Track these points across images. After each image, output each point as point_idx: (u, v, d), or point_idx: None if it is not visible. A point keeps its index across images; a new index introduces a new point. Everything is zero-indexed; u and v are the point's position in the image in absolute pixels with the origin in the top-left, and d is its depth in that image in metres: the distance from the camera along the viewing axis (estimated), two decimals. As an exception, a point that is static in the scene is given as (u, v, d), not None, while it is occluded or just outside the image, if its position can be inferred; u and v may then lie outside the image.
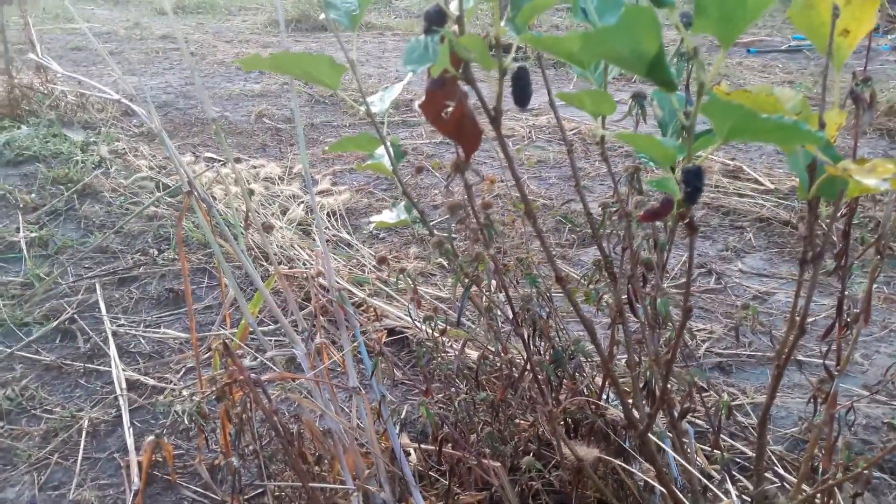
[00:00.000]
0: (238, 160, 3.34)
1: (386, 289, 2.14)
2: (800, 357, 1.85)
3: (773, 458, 1.48)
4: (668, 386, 0.82)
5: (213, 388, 1.17)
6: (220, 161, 3.37)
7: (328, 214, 2.74)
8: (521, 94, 0.64)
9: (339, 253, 2.44)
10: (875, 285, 2.18)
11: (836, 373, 1.00)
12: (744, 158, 3.30)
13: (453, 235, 1.01)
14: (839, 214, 0.97)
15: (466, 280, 0.93)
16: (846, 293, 1.03)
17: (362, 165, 1.19)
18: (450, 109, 0.69)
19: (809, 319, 2.02)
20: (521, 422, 1.34)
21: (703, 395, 1.74)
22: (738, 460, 1.45)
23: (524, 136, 3.77)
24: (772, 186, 2.93)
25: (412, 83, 4.27)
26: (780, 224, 2.62)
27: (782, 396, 1.71)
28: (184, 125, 4.01)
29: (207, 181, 2.89)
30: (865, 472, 0.92)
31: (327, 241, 2.55)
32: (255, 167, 3.19)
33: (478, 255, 0.92)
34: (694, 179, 0.56)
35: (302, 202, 2.83)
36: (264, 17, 8.09)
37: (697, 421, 1.54)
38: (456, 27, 0.66)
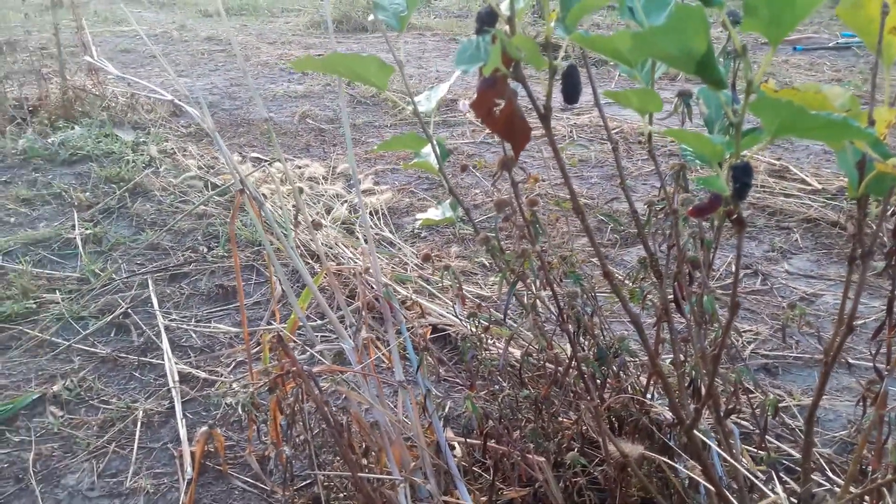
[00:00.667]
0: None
1: (428, 287, 2.16)
2: (849, 360, 1.82)
3: (820, 460, 1.46)
4: (714, 383, 0.82)
5: (266, 380, 1.21)
6: (266, 161, 3.43)
7: (371, 213, 2.78)
8: (572, 92, 0.66)
9: (382, 251, 2.48)
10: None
11: (885, 373, 0.99)
12: (790, 158, 3.25)
13: (498, 233, 1.03)
14: (889, 213, 0.96)
15: (512, 277, 0.95)
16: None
17: (409, 164, 1.22)
18: (499, 107, 0.71)
19: (859, 322, 1.99)
20: (565, 420, 1.35)
21: (749, 396, 1.73)
22: (785, 462, 1.44)
23: (565, 135, 3.76)
24: (819, 187, 2.88)
25: (454, 84, 4.30)
26: (828, 225, 2.57)
27: (830, 399, 1.69)
28: (230, 125, 4.09)
29: (255, 181, 2.96)
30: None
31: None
32: (299, 167, 3.25)
33: (524, 252, 0.93)
34: (742, 175, 0.57)
35: (345, 201, 2.87)
36: (306, 18, 8.20)
37: (743, 422, 1.53)
38: (507, 27, 0.68)
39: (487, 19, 0.66)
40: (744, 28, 0.57)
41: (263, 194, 2.72)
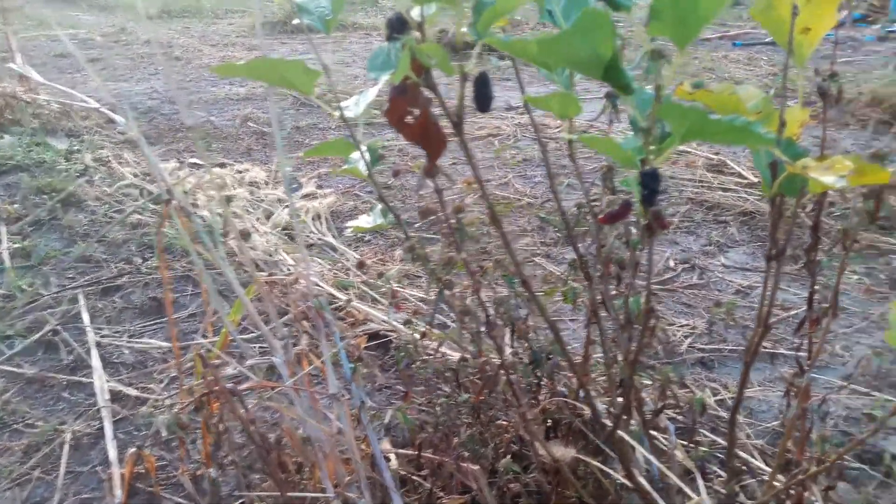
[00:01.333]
0: (222, 165, 3.33)
1: (371, 292, 2.13)
2: (782, 350, 1.85)
3: (753, 452, 1.48)
4: (635, 384, 0.82)
5: (191, 400, 1.16)
6: (204, 166, 3.35)
7: (313, 218, 2.74)
8: (483, 99, 0.64)
9: (325, 256, 2.44)
10: (856, 277, 2.19)
11: (806, 367, 1.00)
12: (727, 153, 3.31)
13: (431, 238, 1.01)
14: (808, 210, 0.97)
15: (440, 284, 0.93)
16: (817, 287, 1.04)
17: (337, 171, 1.19)
18: (413, 115, 0.69)
19: (791, 312, 2.03)
20: (504, 423, 1.34)
21: (686, 391, 1.75)
22: (720, 455, 1.46)
23: (510, 134, 3.77)
24: (755, 180, 2.94)
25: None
26: (763, 217, 2.63)
27: (763, 390, 1.72)
28: (169, 131, 3.99)
29: (191, 187, 2.88)
30: (837, 463, 0.93)
31: (312, 245, 2.54)
32: (240, 171, 3.18)
33: (450, 259, 0.92)
34: (650, 182, 0.56)
35: (287, 206, 2.82)
36: (250, 19, 8.06)
37: (679, 418, 1.55)
38: (418, 33, 0.66)
39: (397, 26, 0.64)
40: (651, 32, 0.56)
41: (197, 202, 2.65)
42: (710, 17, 0.55)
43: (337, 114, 1.08)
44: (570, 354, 0.83)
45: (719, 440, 1.50)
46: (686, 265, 2.32)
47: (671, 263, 2.34)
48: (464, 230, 0.89)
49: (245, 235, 2.05)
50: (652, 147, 0.58)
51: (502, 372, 0.98)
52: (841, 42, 5.96)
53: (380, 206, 1.18)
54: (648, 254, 0.67)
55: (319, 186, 3.11)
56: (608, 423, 0.85)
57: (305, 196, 2.95)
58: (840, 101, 0.94)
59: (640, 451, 1.02)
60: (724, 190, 2.89)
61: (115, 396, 1.75)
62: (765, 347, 1.89)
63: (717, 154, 3.26)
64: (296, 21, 0.95)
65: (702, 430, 1.54)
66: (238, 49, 6.49)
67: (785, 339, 1.90)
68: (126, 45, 6.78)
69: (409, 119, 0.71)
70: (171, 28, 7.87)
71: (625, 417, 1.04)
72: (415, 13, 0.72)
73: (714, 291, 2.15)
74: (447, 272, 0.93)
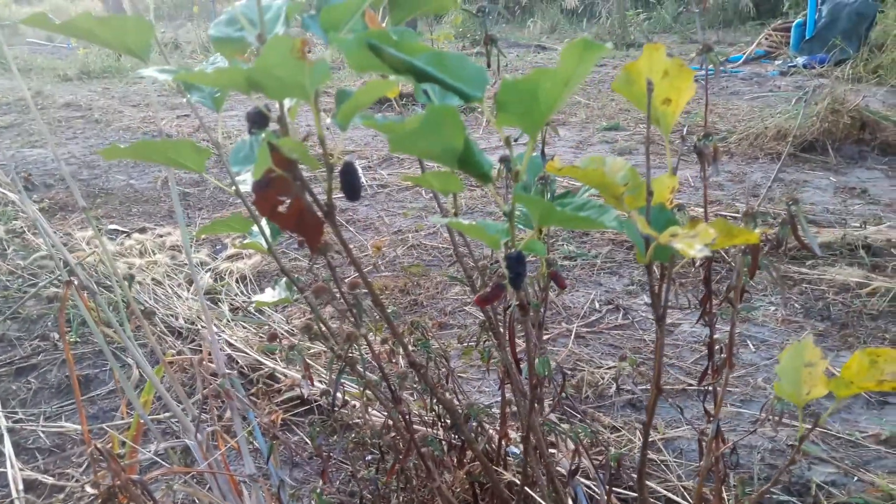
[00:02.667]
0: (143, 230, 3.26)
1: (300, 355, 2.10)
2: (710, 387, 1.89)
3: (684, 493, 1.50)
4: (547, 442, 0.82)
5: (99, 494, 1.11)
6: (124, 232, 3.27)
7: (237, 280, 2.69)
8: (350, 189, 0.65)
9: (251, 321, 2.39)
10: (773, 308, 2.26)
11: (712, 417, 1.02)
12: (647, 190, 3.41)
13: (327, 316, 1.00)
14: (700, 264, 1.00)
15: (340, 364, 0.92)
16: (716, 336, 1.07)
17: (241, 245, 1.17)
18: (285, 204, 0.68)
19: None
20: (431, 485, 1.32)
21: (616, 434, 1.76)
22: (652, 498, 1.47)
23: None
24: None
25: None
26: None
27: (692, 430, 1.74)
28: (87, 196, 3.89)
29: (110, 255, 2.80)
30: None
31: (237, 308, 2.50)
32: (161, 235, 3.11)
33: (349, 336, 0.91)
34: (515, 265, 0.57)
35: (210, 269, 2.77)
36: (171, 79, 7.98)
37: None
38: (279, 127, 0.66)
39: (256, 120, 0.64)
40: (499, 123, 0.57)
41: (115, 272, 2.57)
42: (552, 108, 0.57)
43: (232, 189, 1.07)
44: (465, 428, 0.83)
45: (651, 484, 1.52)
46: (610, 306, 2.36)
47: (596, 304, 2.38)
48: (360, 306, 0.88)
49: (148, 316, 2.00)
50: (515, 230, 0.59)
51: (412, 448, 0.97)
52: (747, 78, 6.26)
53: (283, 279, 1.17)
54: (526, 335, 0.67)
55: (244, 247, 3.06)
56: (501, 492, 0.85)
57: (230, 258, 2.90)
58: (717, 158, 0.98)
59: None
60: (645, 227, 2.96)
61: (30, 485, 1.66)
62: (690, 385, 1.93)
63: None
64: (184, 100, 0.94)
65: (628, 474, 1.55)
66: (160, 108, 6.41)
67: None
68: (42, 108, 6.62)
69: (281, 209, 0.70)
70: (90, 89, 7.74)
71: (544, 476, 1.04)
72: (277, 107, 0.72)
73: (639, 331, 2.19)
74: (347, 348, 0.92)
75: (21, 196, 1.19)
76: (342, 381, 1.66)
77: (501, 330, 1.09)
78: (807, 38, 6.56)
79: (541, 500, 0.93)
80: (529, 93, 0.54)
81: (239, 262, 2.81)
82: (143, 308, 2.14)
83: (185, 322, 2.33)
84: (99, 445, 1.03)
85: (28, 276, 2.84)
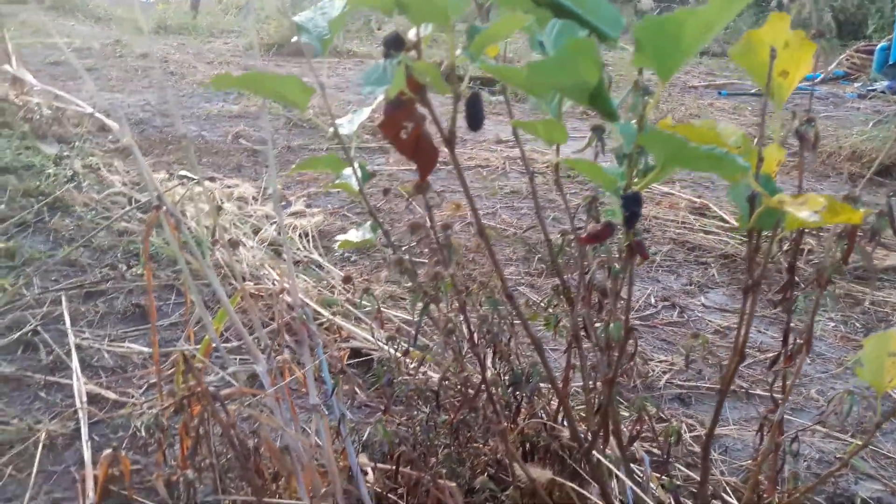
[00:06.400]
0: (212, 179, 3.35)
1: (355, 311, 2.15)
2: (758, 391, 1.88)
3: (726, 488, 1.50)
4: (612, 407, 0.84)
5: (172, 402, 1.17)
6: (194, 179, 3.37)
7: (300, 236, 2.75)
8: (474, 118, 0.67)
9: (311, 274, 2.45)
10: (832, 324, 2.23)
11: (780, 402, 1.03)
12: (710, 197, 3.38)
13: (417, 262, 1.03)
14: (785, 249, 1.01)
15: (425, 299, 0.95)
16: (792, 325, 1.07)
17: (329, 185, 1.22)
18: (408, 130, 0.72)
19: (767, 354, 2.07)
20: (481, 445, 1.35)
21: (663, 424, 1.77)
22: (694, 489, 1.48)
23: (498, 166, 3.82)
24: (737, 224, 3.00)
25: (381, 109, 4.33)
26: (743, 261, 2.67)
27: (739, 428, 1.74)
28: (159, 143, 4.01)
29: (179, 198, 2.89)
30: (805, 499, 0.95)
31: (298, 262, 2.56)
32: (229, 187, 3.20)
33: (437, 274, 0.94)
34: (631, 204, 0.59)
35: (274, 222, 2.84)
36: (245, 40, 8.14)
37: (655, 450, 1.56)
38: (414, 52, 0.69)
39: (394, 44, 0.67)
40: (634, 63, 0.59)
41: (185, 213, 2.66)
42: (692, 50, 0.58)
43: (332, 130, 1.11)
44: (552, 373, 0.85)
45: (693, 475, 1.52)
46: (666, 303, 2.35)
47: (652, 300, 2.38)
48: (451, 246, 0.92)
49: (234, 244, 2.06)
50: (634, 172, 0.61)
51: (484, 387, 1.00)
52: (823, 98, 6.12)
53: (369, 222, 1.21)
54: (629, 277, 0.69)
55: (308, 205, 3.13)
56: (582, 442, 0.87)
57: (294, 214, 2.97)
58: (816, 144, 0.98)
59: (615, 479, 1.04)
60: (706, 232, 2.94)
61: (93, 398, 1.74)
62: (741, 387, 1.92)
63: (699, 197, 3.33)
64: (294, 39, 0.97)
65: (677, 465, 1.56)
66: (232, 68, 6.55)
67: (761, 380, 1.93)
68: (120, 57, 6.82)
69: (402, 133, 0.73)
70: (166, 43, 7.93)
71: (602, 442, 1.06)
72: (411, 34, 0.75)
73: (693, 329, 2.19)
74: (433, 287, 0.95)
75: (122, 127, 1.25)
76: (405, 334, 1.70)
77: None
78: (890, 62, 6.38)
79: (601, 458, 0.95)
80: (671, 33, 0.55)
81: (302, 220, 2.88)
82: (229, 238, 2.20)
83: (250, 267, 2.40)
84: (183, 353, 1.08)
85: (101, 209, 2.95)
